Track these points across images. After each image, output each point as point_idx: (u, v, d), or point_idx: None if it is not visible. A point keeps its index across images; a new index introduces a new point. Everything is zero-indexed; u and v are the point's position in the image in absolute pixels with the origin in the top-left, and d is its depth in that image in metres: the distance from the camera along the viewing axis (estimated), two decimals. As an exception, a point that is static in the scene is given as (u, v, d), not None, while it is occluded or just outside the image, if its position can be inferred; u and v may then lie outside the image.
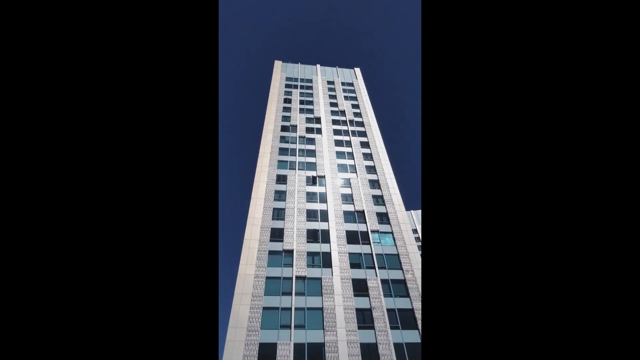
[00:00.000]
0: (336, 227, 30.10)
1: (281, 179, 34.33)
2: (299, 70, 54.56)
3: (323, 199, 32.98)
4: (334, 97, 49.34)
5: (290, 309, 23.88)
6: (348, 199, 33.37)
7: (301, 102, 46.86)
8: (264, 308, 23.66)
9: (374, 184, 35.56)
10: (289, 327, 22.90)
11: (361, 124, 44.41)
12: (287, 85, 50.08)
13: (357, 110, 46.87)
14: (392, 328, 23.55)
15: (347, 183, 35.11)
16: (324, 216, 31.17)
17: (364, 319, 23.99)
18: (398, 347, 22.59)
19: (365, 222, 31.02)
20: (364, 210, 32.02)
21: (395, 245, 29.08)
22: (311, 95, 48.84)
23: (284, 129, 41.43)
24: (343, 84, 52.81)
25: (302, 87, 50.48)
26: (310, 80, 52.32)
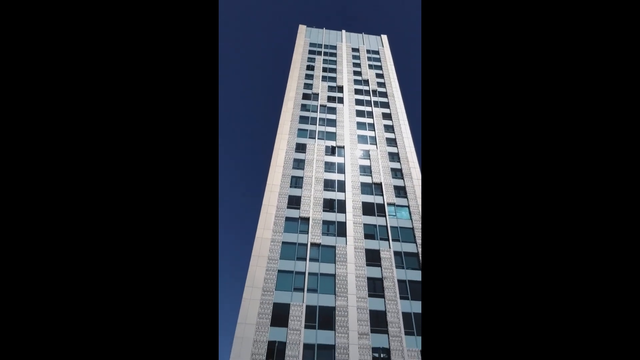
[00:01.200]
0: (352, 198, 30.35)
1: (300, 148, 34.43)
2: (324, 35, 52.80)
3: (341, 169, 33.03)
4: (358, 65, 47.85)
5: (304, 273, 24.83)
6: (366, 170, 33.28)
7: (324, 70, 45.78)
8: (279, 271, 24.70)
9: (394, 156, 35.15)
10: (302, 290, 23.94)
11: (384, 94, 43.21)
12: (310, 52, 48.80)
13: (381, 80, 45.47)
14: (401, 298, 24.21)
15: (367, 154, 34.86)
16: (341, 187, 31.38)
17: (375, 287, 24.71)
18: (406, 316, 23.32)
19: (382, 195, 31.06)
20: (381, 183, 31.96)
21: (411, 219, 29.17)
22: (335, 62, 47.53)
23: (305, 96, 40.92)
24: (368, 51, 50.93)
25: (325, 53, 49.09)
26: (335, 47, 50.70)
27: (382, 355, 21.51)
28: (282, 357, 20.85)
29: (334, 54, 49.21)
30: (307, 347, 21.45)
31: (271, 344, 21.31)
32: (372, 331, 22.40)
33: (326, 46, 50.67)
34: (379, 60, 49.51)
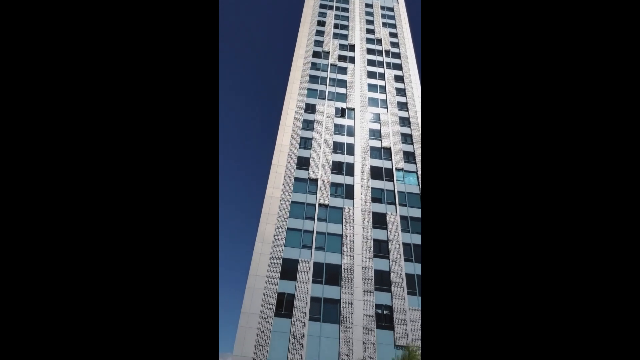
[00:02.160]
0: (361, 162, 30.41)
1: (310, 108, 33.84)
2: (336, -12, 49.75)
3: (351, 132, 32.74)
4: (371, 22, 45.59)
5: (312, 232, 25.53)
6: (376, 134, 33.02)
7: (335, 26, 43.69)
8: (288, 229, 25.38)
9: (404, 121, 34.70)
10: (310, 247, 24.77)
11: (397, 55, 41.65)
12: (321, 6, 46.24)
13: (394, 40, 43.60)
14: (405, 260, 25.14)
15: (377, 118, 34.38)
16: (350, 150, 31.31)
17: (380, 249, 25.57)
18: (409, 277, 24.38)
19: (391, 159, 31.10)
20: (390, 148, 31.85)
21: (419, 185, 29.47)
22: (347, 19, 45.23)
23: (315, 54, 39.46)
24: (382, 8, 48.29)
25: (337, 8, 46.54)
26: (347, 1, 47.98)
27: (384, 312, 22.78)
28: (290, 307, 22.07)
29: (346, 9, 46.68)
30: (314, 300, 22.64)
31: (280, 295, 22.45)
32: (376, 289, 23.53)
33: (338, 0, 47.93)
34: (393, 18, 47.10)
